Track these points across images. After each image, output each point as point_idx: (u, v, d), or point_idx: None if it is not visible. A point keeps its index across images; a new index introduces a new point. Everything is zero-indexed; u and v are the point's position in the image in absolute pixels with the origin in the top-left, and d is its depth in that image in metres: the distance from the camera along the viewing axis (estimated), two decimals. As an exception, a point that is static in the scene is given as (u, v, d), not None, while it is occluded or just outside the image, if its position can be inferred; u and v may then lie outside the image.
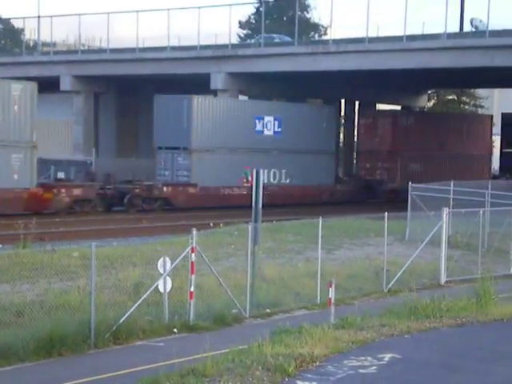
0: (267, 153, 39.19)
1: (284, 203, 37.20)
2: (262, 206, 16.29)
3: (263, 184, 16.73)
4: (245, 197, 30.52)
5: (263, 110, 39.50)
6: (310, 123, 40.95)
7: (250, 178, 33.45)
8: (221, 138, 37.24)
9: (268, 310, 15.63)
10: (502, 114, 55.71)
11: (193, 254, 13.95)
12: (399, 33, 35.70)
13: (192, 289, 13.96)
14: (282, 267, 18.79)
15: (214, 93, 41.63)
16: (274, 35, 43.87)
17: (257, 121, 38.94)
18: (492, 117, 55.09)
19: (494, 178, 46.86)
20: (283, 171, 40.21)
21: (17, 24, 55.72)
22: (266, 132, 39.38)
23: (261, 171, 18.19)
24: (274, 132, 39.68)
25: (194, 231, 14.07)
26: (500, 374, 9.36)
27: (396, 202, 36.10)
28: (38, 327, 11.97)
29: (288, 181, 40.36)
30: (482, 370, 9.42)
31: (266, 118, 39.29)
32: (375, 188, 45.03)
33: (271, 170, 39.43)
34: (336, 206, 37.81)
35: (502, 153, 54.35)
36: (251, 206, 16.50)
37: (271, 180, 39.10)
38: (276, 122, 39.74)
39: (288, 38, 42.71)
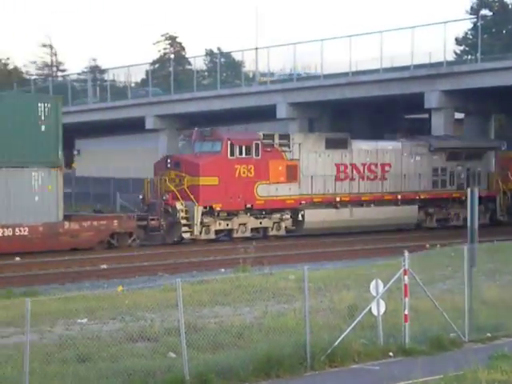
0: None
1: None
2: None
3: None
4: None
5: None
6: None
7: None
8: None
9: (489, 334, 15.08)
10: None
11: (405, 277, 13.83)
12: None
13: (406, 312, 13.81)
14: (503, 289, 18.03)
15: (428, 112, 40.96)
16: None
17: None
18: None
19: None
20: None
21: (237, 57, 58.30)
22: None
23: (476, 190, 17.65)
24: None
25: (406, 253, 13.95)
26: None
27: None
28: (255, 349, 12.38)
29: None
30: None
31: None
32: None
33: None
34: None
35: None
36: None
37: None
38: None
39: None
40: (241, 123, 46.03)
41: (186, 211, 30.35)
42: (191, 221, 30.39)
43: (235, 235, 31.45)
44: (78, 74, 67.59)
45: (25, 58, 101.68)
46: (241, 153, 31.55)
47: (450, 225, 36.77)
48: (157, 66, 69.89)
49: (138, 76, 57.06)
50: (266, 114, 44.39)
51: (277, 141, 32.55)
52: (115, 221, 29.13)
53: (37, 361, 11.06)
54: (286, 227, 32.74)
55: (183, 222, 30.35)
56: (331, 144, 33.94)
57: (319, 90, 42.99)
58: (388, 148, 35.82)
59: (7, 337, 13.48)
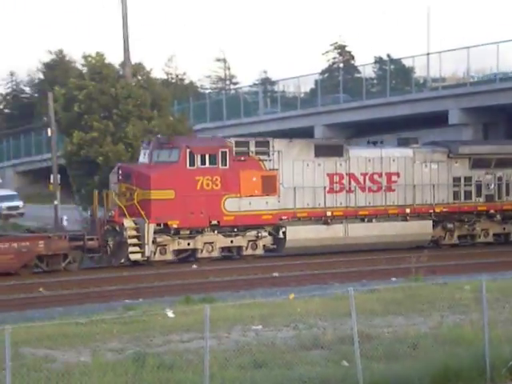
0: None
1: None
2: None
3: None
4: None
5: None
6: None
7: None
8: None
9: None
10: None
11: None
12: None
13: None
14: None
15: None
16: None
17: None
18: None
19: None
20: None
21: (407, 63, 57.66)
22: None
23: None
24: None
25: None
26: None
27: None
28: (431, 360, 12.14)
29: None
30: None
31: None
32: None
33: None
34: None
35: None
36: None
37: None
38: None
39: None
40: (409, 130, 45.37)
41: (137, 229, 26.93)
42: (142, 240, 26.92)
43: (200, 255, 28.07)
44: (250, 86, 69.24)
45: (200, 72, 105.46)
46: (203, 162, 27.70)
47: (476, 242, 32.21)
48: (326, 75, 70.29)
49: (307, 86, 57.63)
50: (436, 120, 43.43)
51: (253, 148, 28.82)
52: (41, 242, 26.24)
53: (216, 366, 11.39)
54: (264, 246, 29.05)
55: (131, 241, 26.81)
56: (322, 151, 29.98)
57: (494, 94, 41.54)
58: (396, 155, 31.44)
59: (188, 342, 13.95)
